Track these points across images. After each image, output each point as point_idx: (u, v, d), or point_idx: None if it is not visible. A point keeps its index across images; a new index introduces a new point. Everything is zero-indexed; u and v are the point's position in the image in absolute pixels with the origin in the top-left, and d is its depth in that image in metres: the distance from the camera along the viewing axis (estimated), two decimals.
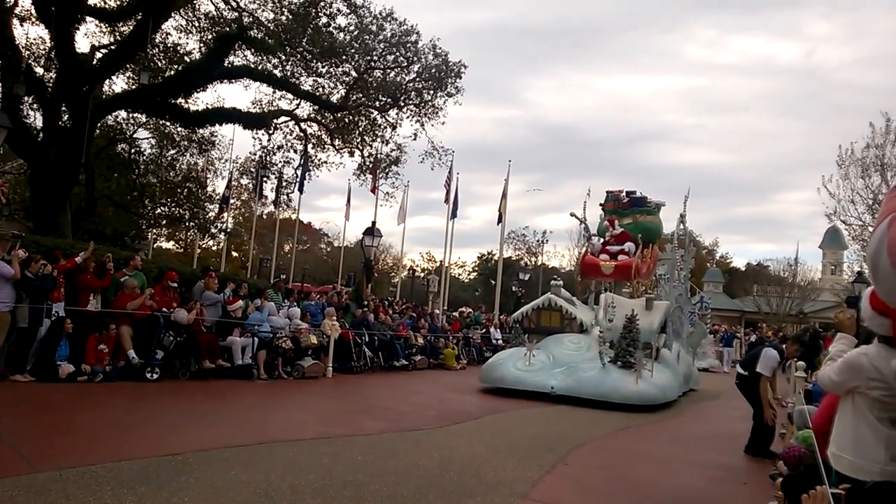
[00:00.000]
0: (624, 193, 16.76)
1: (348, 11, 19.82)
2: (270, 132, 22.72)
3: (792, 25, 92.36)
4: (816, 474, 3.58)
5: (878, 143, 20.77)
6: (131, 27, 18.34)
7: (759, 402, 8.09)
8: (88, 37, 19.64)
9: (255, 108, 22.12)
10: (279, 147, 23.54)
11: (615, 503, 5.85)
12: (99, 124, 19.20)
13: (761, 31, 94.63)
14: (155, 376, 10.24)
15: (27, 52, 18.23)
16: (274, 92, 21.78)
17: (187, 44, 20.54)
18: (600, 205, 17.01)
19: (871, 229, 21.57)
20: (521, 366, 12.80)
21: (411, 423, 8.55)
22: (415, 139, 22.52)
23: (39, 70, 18.62)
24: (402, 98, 21.77)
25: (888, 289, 1.03)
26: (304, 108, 22.56)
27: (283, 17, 19.32)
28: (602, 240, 16.29)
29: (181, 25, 20.09)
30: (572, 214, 17.25)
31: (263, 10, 19.47)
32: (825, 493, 2.51)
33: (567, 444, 7.90)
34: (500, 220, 28.87)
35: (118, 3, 18.89)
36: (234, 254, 43.50)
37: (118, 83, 20.86)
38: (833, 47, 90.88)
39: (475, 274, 60.60)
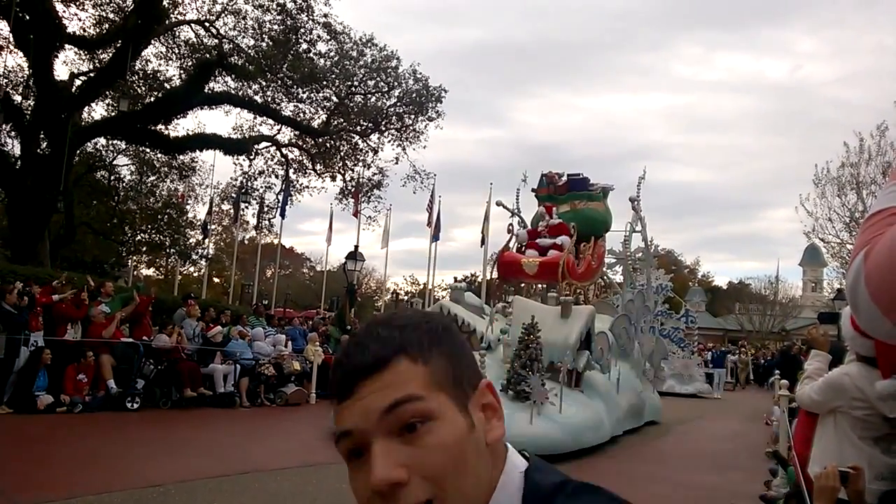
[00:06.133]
0: (565, 177, 13.66)
1: (328, 37, 20.03)
2: (251, 158, 22.77)
3: (778, 41, 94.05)
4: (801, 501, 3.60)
5: (852, 161, 21.21)
6: (111, 54, 18.37)
7: None
8: (67, 64, 19.63)
9: (235, 133, 22.16)
10: (260, 172, 23.58)
11: None
12: (78, 151, 19.10)
13: (748, 48, 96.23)
14: (135, 405, 10.10)
15: (5, 80, 18.15)
16: (255, 118, 21.86)
17: (167, 70, 20.64)
18: (533, 190, 13.80)
19: (849, 247, 22.07)
20: None
21: None
22: (396, 163, 22.69)
23: (17, 98, 18.54)
24: (383, 122, 21.95)
25: (868, 320, 1.05)
26: (286, 134, 22.66)
27: (264, 44, 19.47)
28: (528, 230, 13.11)
29: (161, 52, 20.16)
30: (499, 204, 14.05)
31: (244, 37, 19.63)
32: (834, 471, 2.51)
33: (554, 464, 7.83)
34: (483, 242, 28.94)
35: (98, 30, 18.91)
36: (216, 280, 43.16)
37: (97, 110, 20.83)
38: (818, 64, 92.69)
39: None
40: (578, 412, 9.09)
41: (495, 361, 9.56)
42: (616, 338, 11.46)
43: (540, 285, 12.65)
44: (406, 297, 44.32)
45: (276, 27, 19.40)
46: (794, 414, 7.56)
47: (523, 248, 12.56)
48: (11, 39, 17.57)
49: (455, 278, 12.97)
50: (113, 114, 19.83)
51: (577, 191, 13.40)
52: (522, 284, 12.93)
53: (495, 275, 12.66)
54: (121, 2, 18.57)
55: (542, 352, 8.98)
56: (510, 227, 13.27)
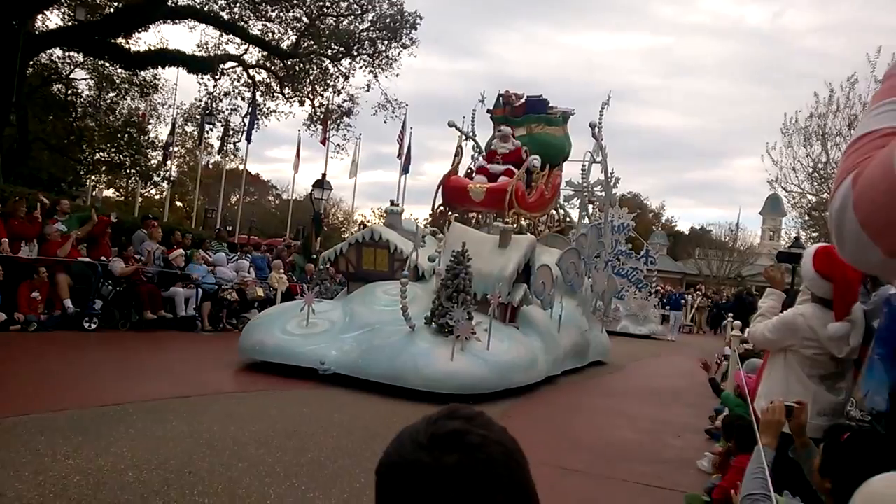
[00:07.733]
0: (524, 98, 12.61)
1: None
2: (217, 78, 21.99)
3: None
4: (750, 434, 3.74)
5: (821, 112, 21.33)
6: None
7: None
8: None
9: (200, 51, 21.27)
10: (226, 94, 22.87)
11: (557, 455, 5.98)
12: (31, 62, 18.15)
13: None
14: (93, 326, 9.94)
15: None
16: (221, 35, 20.99)
17: None
18: (489, 111, 12.77)
19: (809, 197, 22.44)
20: (293, 328, 8.51)
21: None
22: (368, 90, 22.20)
23: None
24: (355, 47, 21.28)
25: (853, 249, 0.99)
26: (253, 54, 21.89)
27: None
28: (482, 156, 12.17)
29: None
30: (451, 125, 12.66)
31: None
32: (781, 406, 2.64)
33: (508, 397, 7.91)
34: None
35: None
36: (179, 204, 42.28)
37: (52, 19, 19.74)
38: (800, 12, 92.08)
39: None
40: (510, 349, 8.27)
41: (426, 292, 8.79)
42: (563, 273, 10.73)
43: (491, 215, 11.61)
44: None
45: None
46: (747, 355, 7.81)
47: (473, 173, 11.78)
48: None
49: (392, 201, 11.67)
50: (69, 23, 18.79)
51: (535, 113, 12.47)
52: (472, 215, 12.10)
53: (440, 201, 11.74)
54: None
55: (471, 283, 8.15)
56: (459, 149, 12.39)
